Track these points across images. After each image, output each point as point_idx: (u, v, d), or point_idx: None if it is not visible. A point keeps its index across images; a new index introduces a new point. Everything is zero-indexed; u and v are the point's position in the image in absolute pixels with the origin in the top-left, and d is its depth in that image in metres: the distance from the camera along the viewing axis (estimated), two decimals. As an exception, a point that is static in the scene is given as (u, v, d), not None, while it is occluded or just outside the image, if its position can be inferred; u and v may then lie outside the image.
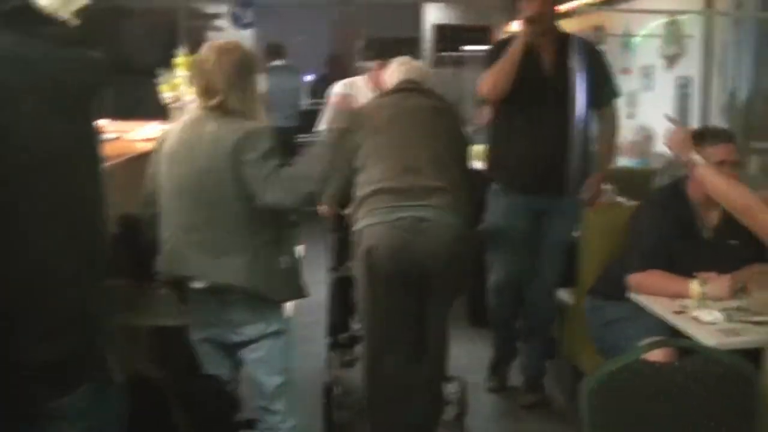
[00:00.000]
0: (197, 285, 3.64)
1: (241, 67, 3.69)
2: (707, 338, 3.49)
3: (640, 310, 4.16)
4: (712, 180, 3.76)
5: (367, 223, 4.25)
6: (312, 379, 5.24)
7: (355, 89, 5.89)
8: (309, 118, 8.53)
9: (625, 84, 6.54)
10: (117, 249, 3.95)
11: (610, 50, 7.02)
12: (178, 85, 5.24)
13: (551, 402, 5.47)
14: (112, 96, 6.60)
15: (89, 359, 2.23)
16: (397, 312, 4.32)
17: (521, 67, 4.89)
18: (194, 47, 4.93)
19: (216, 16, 13.00)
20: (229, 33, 12.75)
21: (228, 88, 3.62)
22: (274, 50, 10.98)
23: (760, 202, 3.60)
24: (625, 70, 8.71)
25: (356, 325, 5.40)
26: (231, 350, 3.81)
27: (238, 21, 13.01)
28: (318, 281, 5.30)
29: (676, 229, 4.25)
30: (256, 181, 3.50)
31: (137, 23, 11.40)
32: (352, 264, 4.61)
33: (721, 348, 3.26)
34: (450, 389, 4.80)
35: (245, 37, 12.96)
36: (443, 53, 12.75)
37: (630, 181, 5.89)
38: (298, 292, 3.80)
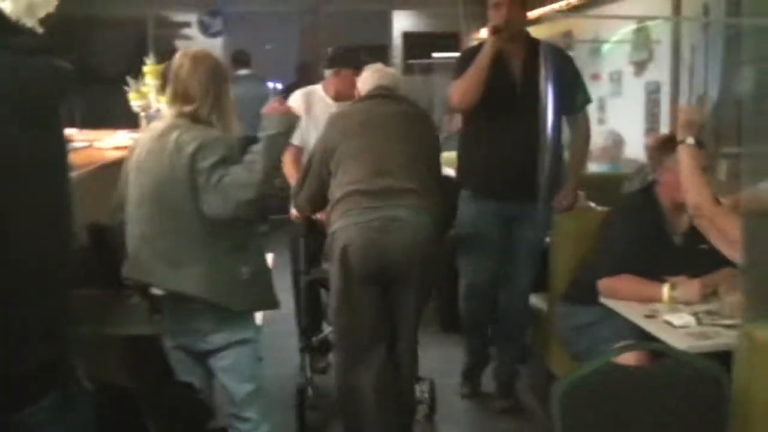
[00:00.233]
0: (157, 292, 3.64)
1: (215, 75, 3.70)
2: (678, 342, 3.50)
3: (611, 315, 4.18)
4: (684, 163, 3.77)
5: (342, 224, 4.31)
6: (285, 386, 5.24)
7: (314, 97, 5.85)
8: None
9: (595, 90, 6.55)
10: (87, 258, 3.94)
11: (579, 56, 7.04)
12: (147, 94, 5.23)
13: (524, 407, 5.48)
14: (82, 105, 6.58)
15: (58, 369, 2.21)
16: (371, 310, 4.39)
17: (491, 74, 4.91)
18: (163, 56, 4.93)
19: (185, 24, 12.97)
20: (198, 42, 12.71)
21: (202, 95, 3.63)
22: (240, 59, 10.96)
23: (714, 204, 3.62)
24: (595, 76, 8.74)
25: (328, 329, 5.42)
26: (201, 358, 3.79)
27: (207, 30, 12.98)
28: (289, 289, 5.31)
29: (647, 234, 4.27)
30: (203, 192, 3.50)
31: (106, 32, 11.37)
32: (324, 266, 4.71)
33: (691, 351, 3.28)
34: (419, 389, 4.89)
35: (214, 46, 12.94)
36: (413, 61, 12.77)
37: (600, 187, 5.91)
38: (264, 302, 3.81)
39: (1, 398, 2.11)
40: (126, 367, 3.79)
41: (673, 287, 4.02)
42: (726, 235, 3.53)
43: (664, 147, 4.34)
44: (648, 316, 3.88)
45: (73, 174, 3.20)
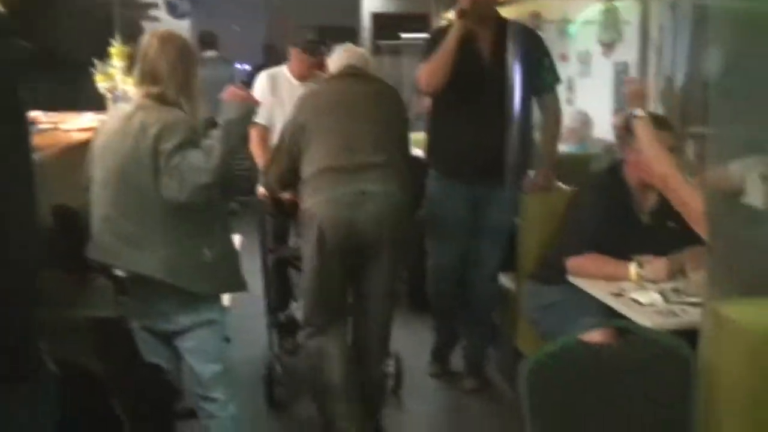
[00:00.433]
0: (118, 273, 3.64)
1: (183, 56, 3.69)
2: (645, 319, 3.53)
3: (579, 293, 4.19)
4: (644, 137, 3.79)
5: (314, 200, 4.40)
6: (254, 368, 5.26)
7: (279, 78, 5.95)
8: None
9: (563, 70, 6.55)
10: (53, 240, 3.92)
11: (547, 37, 7.02)
12: (114, 75, 5.20)
13: (493, 386, 5.51)
14: (48, 87, 6.53)
15: (22, 352, 2.20)
16: (343, 283, 4.55)
17: (459, 56, 4.90)
18: (129, 37, 4.89)
19: (151, 5, 12.87)
20: (165, 23, 12.62)
21: (170, 76, 3.62)
22: (207, 41, 10.89)
23: (677, 175, 3.64)
24: (563, 57, 8.74)
25: (295, 306, 5.65)
26: (168, 339, 3.79)
27: (174, 11, 12.90)
28: (258, 270, 5.31)
29: (614, 213, 4.29)
30: (161, 174, 3.50)
31: (71, 13, 11.26)
32: (291, 244, 4.87)
33: (658, 329, 3.29)
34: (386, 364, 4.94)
35: (181, 27, 12.86)
36: (382, 41, 12.74)
37: (568, 167, 5.92)
38: (230, 285, 3.82)
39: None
40: (92, 350, 3.78)
41: (640, 265, 4.04)
42: (688, 208, 3.55)
43: (630, 127, 4.34)
44: (615, 295, 3.90)
45: (38, 156, 3.18)
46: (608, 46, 7.91)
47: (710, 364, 2.97)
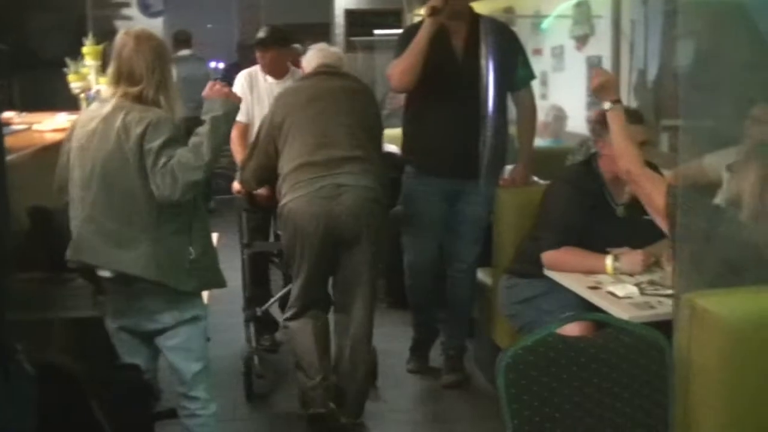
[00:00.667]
0: (104, 274, 3.60)
1: (160, 55, 3.67)
2: (622, 312, 3.54)
3: (555, 287, 4.22)
4: (612, 129, 3.80)
5: (292, 196, 4.54)
6: (231, 365, 5.25)
7: (257, 76, 6.07)
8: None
9: (537, 65, 6.56)
10: (29, 241, 3.91)
11: (520, 32, 7.03)
12: (87, 75, 5.18)
13: (472, 381, 5.51)
14: (21, 87, 6.49)
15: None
16: (324, 274, 4.72)
17: (433, 52, 4.91)
18: (102, 36, 4.87)
19: (124, 4, 12.82)
20: (138, 21, 12.56)
21: (148, 75, 3.60)
22: (182, 39, 10.87)
23: (642, 168, 3.65)
24: (536, 51, 8.77)
25: (271, 301, 5.77)
26: (148, 338, 3.78)
27: (147, 9, 12.84)
28: (236, 267, 5.31)
29: (589, 206, 4.30)
30: (151, 174, 3.49)
31: (44, 13, 11.20)
32: (281, 238, 4.89)
33: (635, 321, 3.31)
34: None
35: (155, 26, 12.80)
36: (355, 38, 12.72)
37: (543, 161, 5.94)
38: (211, 281, 3.81)
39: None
40: (70, 350, 3.77)
41: (616, 258, 4.07)
42: (651, 201, 3.57)
43: (605, 120, 4.36)
44: (592, 288, 3.92)
45: (13, 157, 3.17)
46: (581, 41, 7.94)
47: (685, 353, 3.00)
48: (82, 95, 5.19)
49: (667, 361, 2.96)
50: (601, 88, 3.80)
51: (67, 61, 5.25)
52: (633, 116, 4.32)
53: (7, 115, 4.78)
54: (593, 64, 7.57)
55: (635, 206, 4.21)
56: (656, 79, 6.52)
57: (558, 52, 8.54)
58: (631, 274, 4.02)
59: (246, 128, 5.85)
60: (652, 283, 3.88)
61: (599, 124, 4.31)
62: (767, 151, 3.39)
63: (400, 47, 5.09)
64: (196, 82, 10.59)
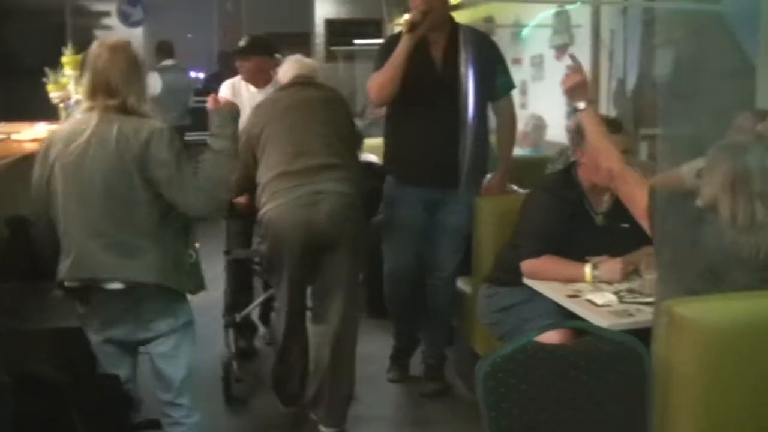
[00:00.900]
0: (114, 286, 3.55)
1: (134, 65, 3.66)
2: (600, 320, 3.54)
3: (535, 296, 4.22)
4: (589, 129, 3.79)
5: (271, 205, 4.63)
6: (209, 368, 5.25)
7: (239, 86, 6.19)
8: (196, 117, 8.72)
9: (516, 74, 6.59)
10: (7, 250, 3.89)
11: (500, 41, 7.06)
12: (66, 85, 5.17)
13: (452, 390, 5.51)
14: (-1, 96, 6.46)
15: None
16: (307, 276, 4.76)
17: (412, 63, 4.92)
18: (82, 46, 4.87)
19: (104, 14, 12.82)
20: (118, 31, 12.57)
21: (126, 86, 3.57)
22: (164, 49, 10.88)
23: (624, 168, 3.65)
24: (516, 61, 8.80)
25: (251, 307, 5.86)
26: (132, 349, 3.79)
27: (126, 19, 12.84)
28: (215, 277, 5.32)
29: (568, 214, 4.31)
30: (177, 187, 3.53)
31: (23, 22, 11.19)
32: (256, 246, 5.10)
33: (614, 329, 3.32)
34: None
35: (135, 36, 12.82)
36: (335, 48, 12.75)
37: (523, 170, 5.96)
38: (201, 284, 3.83)
39: None
40: (49, 361, 3.76)
41: (595, 267, 4.08)
42: (633, 200, 3.57)
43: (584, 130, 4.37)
44: (571, 296, 3.93)
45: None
46: (561, 50, 7.97)
47: (664, 360, 3.01)
48: (62, 105, 5.19)
49: (646, 369, 2.97)
50: (574, 89, 3.80)
51: (47, 70, 5.25)
52: (612, 125, 4.34)
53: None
54: (574, 54, 7.60)
55: (614, 215, 4.23)
56: (635, 88, 6.56)
57: (537, 62, 8.58)
58: (610, 283, 4.03)
59: None
60: (631, 291, 3.89)
61: (578, 133, 4.32)
62: (733, 153, 3.40)
63: (380, 59, 5.10)
64: (179, 92, 10.67)
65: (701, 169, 3.53)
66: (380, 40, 6.53)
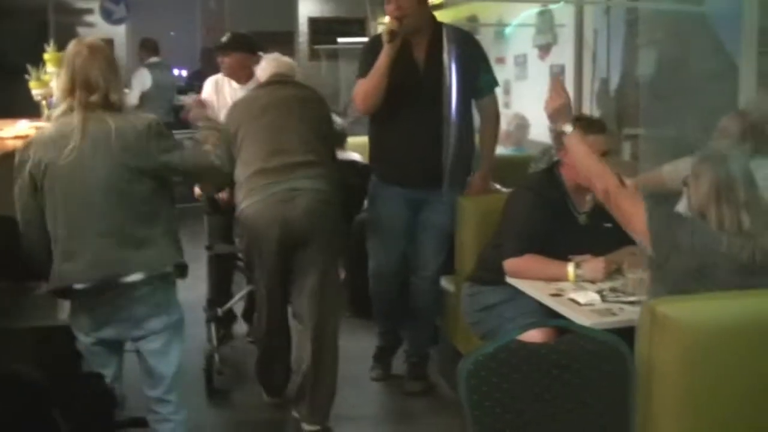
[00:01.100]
0: (133, 278, 3.58)
1: (113, 64, 3.70)
2: (583, 319, 3.54)
3: (518, 294, 4.23)
4: (578, 153, 3.80)
5: (248, 202, 4.70)
6: (190, 368, 5.27)
7: (222, 82, 6.29)
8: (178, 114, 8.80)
9: (500, 73, 6.59)
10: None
11: (484, 40, 7.08)
12: (48, 82, 5.15)
13: (435, 388, 5.52)
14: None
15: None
16: (285, 272, 4.80)
17: (395, 66, 4.93)
18: (64, 43, 4.85)
19: (87, 11, 12.77)
20: (101, 28, 12.54)
21: (107, 82, 3.59)
22: (149, 46, 10.90)
23: (619, 187, 3.64)
24: (500, 60, 8.82)
25: (232, 301, 5.97)
26: (120, 347, 3.81)
27: (109, 16, 12.81)
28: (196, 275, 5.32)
29: (550, 213, 4.31)
30: (192, 161, 3.81)
31: (5, 19, 11.13)
32: (239, 242, 5.14)
33: (596, 328, 3.33)
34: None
35: (118, 33, 12.79)
36: (319, 46, 12.76)
37: (506, 170, 5.97)
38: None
39: None
40: (32, 359, 3.74)
41: (578, 266, 4.09)
42: (629, 222, 3.56)
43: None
44: (554, 295, 3.93)
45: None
46: (544, 50, 7.99)
47: (646, 359, 3.02)
48: (44, 102, 5.16)
49: (628, 368, 2.99)
50: (557, 111, 3.81)
51: (29, 68, 5.22)
52: (595, 125, 4.36)
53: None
54: (556, 73, 7.62)
55: (596, 214, 4.24)
56: (618, 88, 6.58)
57: (521, 61, 8.60)
58: (592, 282, 4.03)
59: None
60: (613, 290, 3.90)
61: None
62: (716, 162, 3.41)
63: (363, 62, 5.14)
64: (165, 89, 10.71)
65: (686, 177, 3.54)
66: (364, 39, 6.52)
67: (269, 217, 4.62)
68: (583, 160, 3.76)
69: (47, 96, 5.17)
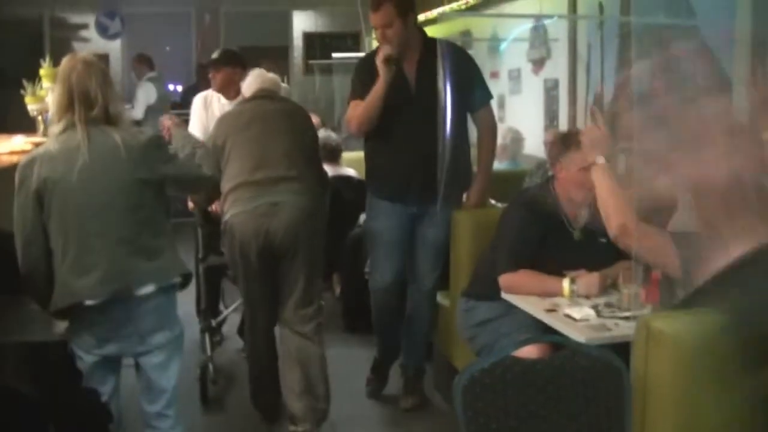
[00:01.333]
0: (145, 291, 3.62)
1: (108, 77, 3.73)
2: (578, 335, 3.54)
3: (513, 310, 4.22)
4: (601, 187, 3.82)
5: (232, 213, 4.81)
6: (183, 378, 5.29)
7: (212, 98, 6.36)
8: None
9: (494, 88, 6.60)
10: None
11: (478, 55, 7.09)
12: (44, 97, 5.16)
13: (431, 404, 5.51)
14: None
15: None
16: (268, 283, 4.91)
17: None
18: (59, 58, 4.87)
19: (82, 26, 12.79)
20: (97, 44, 12.56)
21: (104, 97, 3.61)
22: (146, 62, 10.98)
23: (640, 224, 3.65)
24: (494, 74, 8.83)
25: (226, 312, 6.19)
26: (118, 364, 3.82)
27: (105, 31, 12.83)
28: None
29: (545, 229, 4.31)
30: (187, 170, 3.87)
31: (1, 34, 11.15)
32: (224, 253, 5.17)
33: (591, 343, 3.33)
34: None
35: (113, 48, 12.80)
36: (313, 61, 12.77)
37: (500, 184, 5.97)
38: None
39: None
40: (28, 374, 3.73)
41: (572, 281, 4.08)
42: (656, 254, 3.57)
43: (561, 143, 4.39)
44: (549, 310, 3.93)
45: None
46: (538, 64, 8.00)
47: (642, 375, 3.02)
48: (40, 117, 5.17)
49: (624, 383, 2.98)
50: (594, 143, 3.84)
51: (24, 82, 5.23)
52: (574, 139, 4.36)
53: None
54: (550, 87, 7.64)
55: (591, 229, 4.25)
56: (612, 101, 6.58)
57: (515, 75, 8.61)
58: (587, 297, 4.03)
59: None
60: (608, 305, 3.89)
61: (556, 146, 4.35)
62: None
63: (357, 81, 5.19)
64: (159, 102, 10.78)
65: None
66: (359, 54, 6.53)
67: (252, 230, 4.73)
68: (604, 194, 3.79)
69: (43, 111, 5.18)
